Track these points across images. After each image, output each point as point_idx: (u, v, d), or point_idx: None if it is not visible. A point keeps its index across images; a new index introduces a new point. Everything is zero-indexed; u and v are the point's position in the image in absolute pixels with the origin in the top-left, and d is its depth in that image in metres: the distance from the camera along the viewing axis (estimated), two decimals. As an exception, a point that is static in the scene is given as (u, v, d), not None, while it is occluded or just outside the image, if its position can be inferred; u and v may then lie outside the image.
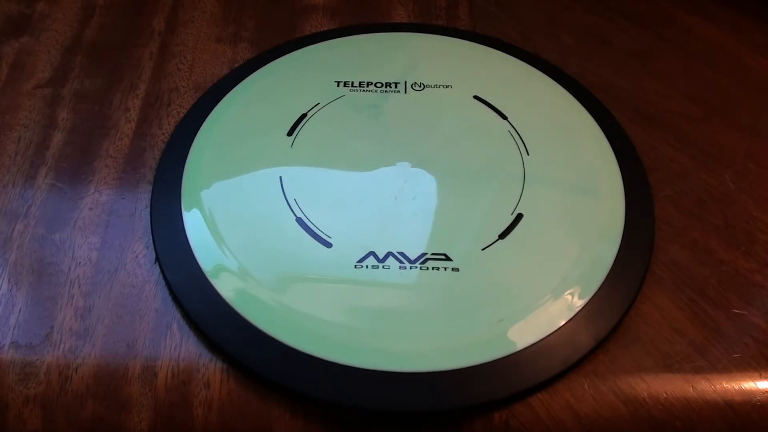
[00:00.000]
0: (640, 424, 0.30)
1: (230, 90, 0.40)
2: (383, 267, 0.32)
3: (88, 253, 0.34)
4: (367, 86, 0.40)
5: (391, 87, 0.40)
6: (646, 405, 0.30)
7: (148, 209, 0.36)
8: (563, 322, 0.31)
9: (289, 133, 0.38)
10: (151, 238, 0.34)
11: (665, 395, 0.30)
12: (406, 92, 0.40)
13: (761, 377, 0.31)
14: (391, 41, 0.44)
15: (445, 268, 0.32)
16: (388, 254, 0.33)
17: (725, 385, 0.30)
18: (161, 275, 0.33)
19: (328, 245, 0.33)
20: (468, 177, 0.36)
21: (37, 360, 0.31)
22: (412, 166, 0.36)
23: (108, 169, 0.38)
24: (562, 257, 0.33)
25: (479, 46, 0.43)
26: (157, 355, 0.31)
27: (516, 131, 0.38)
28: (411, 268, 0.32)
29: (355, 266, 0.32)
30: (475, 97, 0.40)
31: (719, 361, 0.31)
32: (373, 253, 0.33)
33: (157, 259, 0.34)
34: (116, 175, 0.37)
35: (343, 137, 0.38)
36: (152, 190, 0.36)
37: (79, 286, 0.33)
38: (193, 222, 0.34)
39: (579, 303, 0.32)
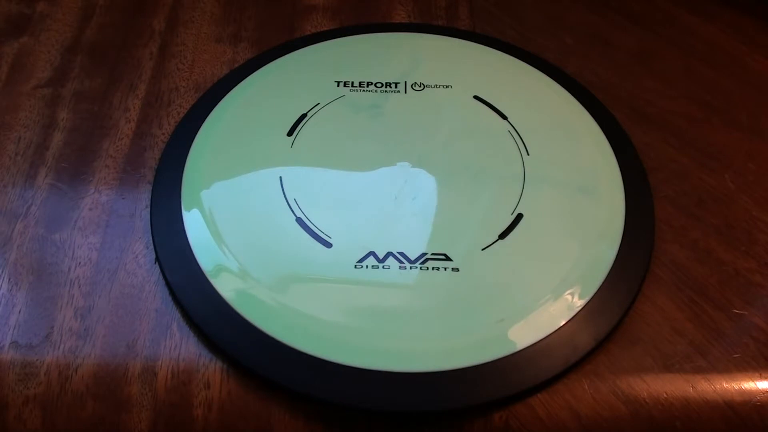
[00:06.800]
0: (640, 424, 0.30)
1: (230, 90, 0.40)
2: (383, 267, 0.32)
3: (88, 253, 0.34)
4: (367, 86, 0.40)
5: (391, 87, 0.40)
6: (646, 405, 0.30)
7: (148, 209, 0.36)
8: (563, 322, 0.31)
9: (289, 133, 0.38)
10: (151, 238, 0.34)
11: (665, 395, 0.30)
12: (406, 92, 0.40)
13: (761, 377, 0.31)
14: (391, 41, 0.44)
15: (445, 268, 0.32)
16: (388, 254, 0.33)
17: (725, 385, 0.30)
18: (161, 275, 0.33)
19: (328, 245, 0.33)
20: (468, 177, 0.36)
21: (37, 360, 0.31)
22: (412, 166, 0.36)
23: (108, 169, 0.38)
24: (562, 257, 0.33)
25: (479, 46, 0.43)
26: (157, 355, 0.31)
27: (516, 131, 0.38)
28: (411, 268, 0.32)
29: (355, 266, 0.32)
30: (475, 97, 0.40)
31: (719, 361, 0.31)
32: (373, 253, 0.33)
33: (157, 259, 0.34)
34: (116, 175, 0.37)
35: (343, 137, 0.38)
36: (152, 190, 0.36)
37: (79, 286, 0.33)
38: (193, 222, 0.34)
39: (579, 303, 0.32)
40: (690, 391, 0.30)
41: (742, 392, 0.30)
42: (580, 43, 0.45)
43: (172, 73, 0.42)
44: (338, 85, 0.40)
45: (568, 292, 0.32)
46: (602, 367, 0.31)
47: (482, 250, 0.33)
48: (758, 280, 0.34)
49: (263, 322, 0.31)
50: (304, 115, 0.39)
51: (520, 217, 0.34)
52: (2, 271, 0.33)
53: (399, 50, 0.43)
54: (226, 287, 0.32)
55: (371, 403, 0.29)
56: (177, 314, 0.32)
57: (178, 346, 0.31)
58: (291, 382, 0.30)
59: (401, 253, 0.33)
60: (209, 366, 0.31)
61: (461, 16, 0.46)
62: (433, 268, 0.32)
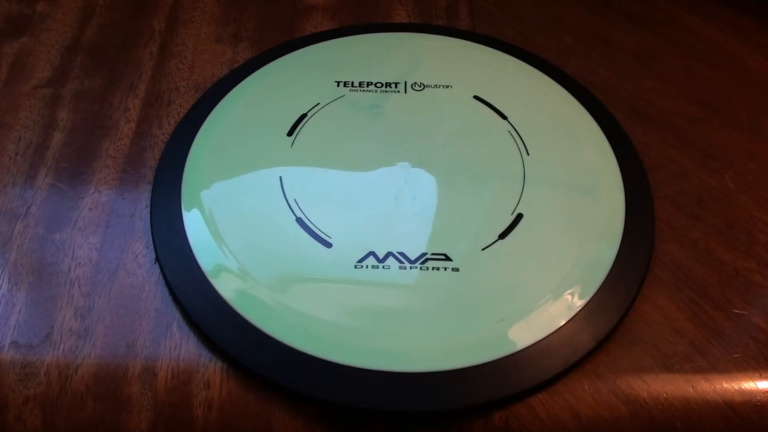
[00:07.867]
0: (640, 424, 0.30)
1: (230, 90, 0.40)
2: (383, 267, 0.32)
3: (88, 253, 0.34)
4: (367, 86, 0.40)
5: (391, 87, 0.40)
6: (646, 405, 0.30)
7: (148, 209, 0.36)
8: (563, 322, 0.31)
9: (289, 133, 0.38)
10: (151, 238, 0.34)
11: (665, 395, 0.30)
12: (406, 92, 0.40)
13: (761, 377, 0.31)
14: (391, 41, 0.44)
15: (445, 268, 0.32)
16: (388, 254, 0.33)
17: (725, 385, 0.30)
18: (161, 275, 0.33)
19: (328, 245, 0.33)
20: (468, 177, 0.36)
21: (37, 360, 0.31)
22: (412, 166, 0.36)
23: (108, 169, 0.38)
24: (562, 257, 0.33)
25: (479, 46, 0.43)
26: (157, 355, 0.31)
27: (516, 131, 0.38)
28: (411, 268, 0.32)
29: (355, 266, 0.32)
30: (475, 97, 0.40)
31: (719, 361, 0.31)
32: (373, 253, 0.33)
33: (157, 259, 0.34)
34: (116, 175, 0.37)
35: (343, 137, 0.38)
36: (152, 190, 0.36)
37: (79, 286, 0.33)
38: (193, 222, 0.34)
39: (579, 303, 0.32)
40: (690, 391, 0.30)
41: (742, 392, 0.30)
42: (580, 43, 0.45)
43: (172, 73, 0.42)
44: (338, 85, 0.40)
45: (568, 292, 0.32)
46: (602, 367, 0.31)
47: (482, 250, 0.33)
48: (758, 280, 0.34)
49: (263, 322, 0.31)
50: (304, 115, 0.39)
51: (520, 217, 0.34)
52: (2, 271, 0.33)
53: (399, 50, 0.43)
54: (226, 287, 0.32)
55: (371, 403, 0.29)
56: (177, 314, 0.32)
57: (178, 346, 0.31)
58: (291, 382, 0.30)
59: (401, 253, 0.33)
60: (209, 366, 0.31)
61: (461, 16, 0.46)
62: (433, 268, 0.32)
